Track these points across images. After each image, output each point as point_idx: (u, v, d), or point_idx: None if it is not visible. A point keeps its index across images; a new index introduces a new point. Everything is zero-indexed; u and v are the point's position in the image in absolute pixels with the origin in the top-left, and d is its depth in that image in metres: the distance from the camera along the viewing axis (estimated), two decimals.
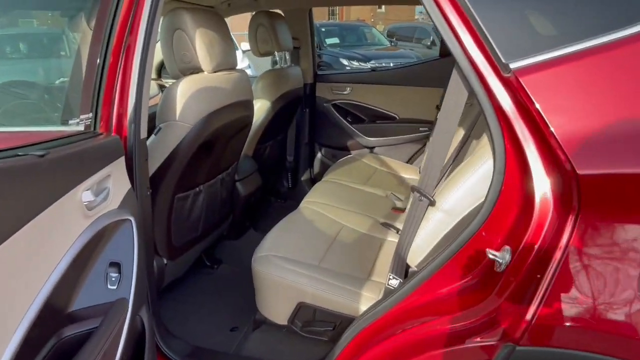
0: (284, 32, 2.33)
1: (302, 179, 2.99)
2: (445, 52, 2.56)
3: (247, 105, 1.77)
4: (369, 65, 8.25)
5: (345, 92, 2.80)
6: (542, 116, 0.85)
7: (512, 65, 0.89)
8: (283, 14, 2.48)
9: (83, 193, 0.85)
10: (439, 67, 2.57)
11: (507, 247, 0.94)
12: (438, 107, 2.57)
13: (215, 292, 1.93)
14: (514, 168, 0.94)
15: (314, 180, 3.02)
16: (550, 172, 0.87)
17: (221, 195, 1.88)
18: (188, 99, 1.40)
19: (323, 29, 9.62)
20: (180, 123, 1.41)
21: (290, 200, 2.98)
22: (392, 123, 2.75)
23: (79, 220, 0.85)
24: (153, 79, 2.66)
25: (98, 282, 0.91)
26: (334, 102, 2.82)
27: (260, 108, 2.27)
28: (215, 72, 1.52)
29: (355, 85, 2.77)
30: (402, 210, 2.02)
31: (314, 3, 2.62)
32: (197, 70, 1.50)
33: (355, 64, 8.31)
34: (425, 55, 9.53)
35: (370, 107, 2.77)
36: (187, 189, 1.59)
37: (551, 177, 0.87)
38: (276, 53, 2.54)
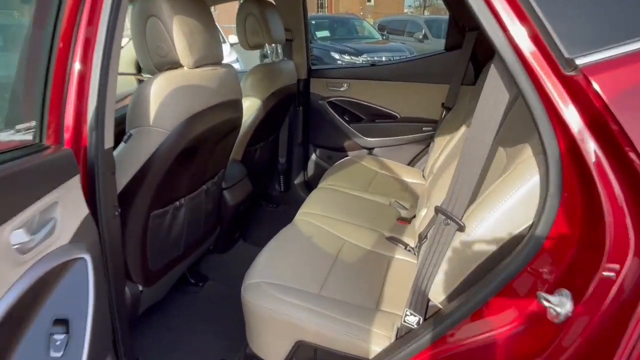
0: (275, 22, 2.10)
1: (296, 182, 2.77)
2: (452, 45, 2.35)
3: (236, 105, 1.55)
4: (360, 59, 8.03)
5: (341, 89, 2.58)
6: (621, 128, 0.64)
7: (579, 61, 0.68)
8: (274, 3, 2.24)
9: (11, 234, 0.63)
10: (445, 61, 2.37)
11: (566, 292, 0.74)
12: (444, 105, 2.37)
13: (200, 317, 1.71)
14: (575, 191, 0.74)
15: (307, 183, 2.81)
16: (632, 202, 0.67)
17: (206, 207, 1.65)
18: (164, 100, 1.17)
19: (313, 22, 9.35)
20: (155, 129, 1.18)
21: (283, 204, 2.77)
22: (393, 122, 2.54)
23: (5, 269, 0.62)
24: (132, 75, 2.41)
25: (36, 350, 0.68)
26: (329, 100, 2.61)
27: (250, 107, 2.04)
28: (197, 67, 1.29)
29: (352, 81, 2.56)
30: (408, 221, 1.82)
31: None
32: (176, 65, 1.27)
33: (347, 57, 8.07)
34: (418, 49, 9.34)
35: (369, 104, 2.56)
36: (165, 204, 1.36)
37: (632, 207, 0.67)
38: (267, 46, 2.31)
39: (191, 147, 1.32)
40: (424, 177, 2.27)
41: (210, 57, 1.34)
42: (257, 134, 2.14)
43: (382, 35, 10.38)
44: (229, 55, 7.17)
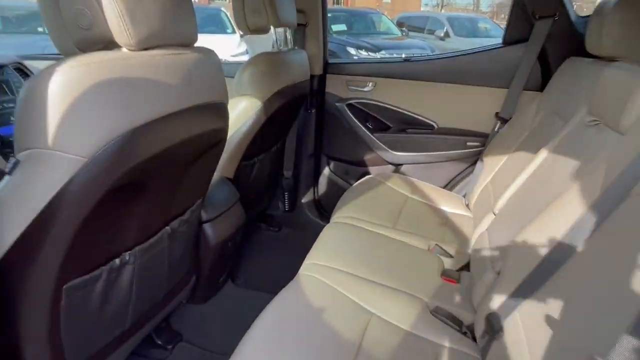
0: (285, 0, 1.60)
1: (303, 200, 2.27)
2: (514, 38, 1.82)
3: (218, 110, 1.04)
4: (379, 55, 7.48)
5: (365, 89, 2.06)
6: None
7: None
8: None
9: None
10: (502, 58, 1.83)
11: None
12: (498, 116, 1.84)
13: None
14: None
15: (317, 203, 2.30)
16: None
17: (171, 254, 1.15)
18: (77, 104, 0.67)
19: (329, 15, 8.77)
20: (59, 154, 0.68)
21: (286, 227, 2.26)
22: (429, 133, 2.02)
23: None
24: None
25: None
26: (349, 102, 2.09)
27: (247, 109, 1.53)
28: (145, 49, 0.79)
29: (379, 80, 2.03)
30: (456, 278, 1.31)
31: None
32: (109, 45, 0.77)
33: (364, 53, 7.52)
34: (439, 48, 8.76)
35: (398, 109, 2.04)
36: (92, 267, 0.86)
37: None
38: (273, 31, 1.80)
39: (136, 181, 0.82)
40: (467, 207, 1.75)
41: (172, 34, 0.83)
42: (256, 145, 1.64)
43: (402, 31, 9.80)
44: (237, 47, 6.67)
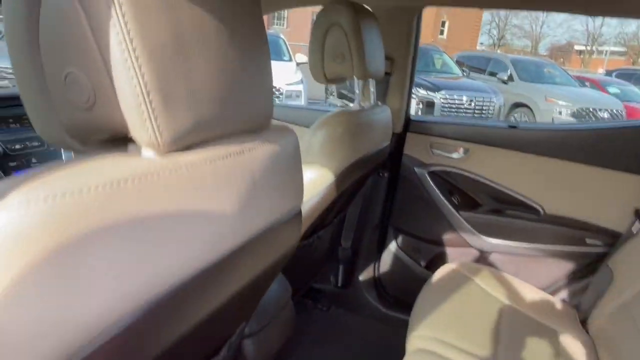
0: (374, 43, 1.26)
1: (361, 277, 1.87)
2: None
3: (290, 226, 0.68)
4: (438, 95, 7.09)
5: (453, 155, 1.67)
6: None
7: None
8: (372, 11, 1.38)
9: None
10: None
11: None
12: (638, 212, 1.40)
13: None
14: None
15: (378, 282, 1.90)
16: None
17: None
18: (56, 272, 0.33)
19: None
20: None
21: (337, 306, 1.88)
22: (532, 220, 1.59)
23: None
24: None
25: None
26: (432, 168, 1.70)
27: (315, 183, 1.18)
28: (185, 148, 0.45)
29: (473, 146, 1.64)
30: None
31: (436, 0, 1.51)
32: (119, 132, 0.43)
33: (422, 92, 7.16)
34: (502, 91, 8.26)
35: (495, 185, 1.63)
36: None
37: None
38: (355, 82, 1.46)
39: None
40: (585, 329, 1.30)
41: (232, 120, 0.49)
42: (320, 221, 1.29)
43: (463, 71, 9.37)
44: (294, 73, 6.49)
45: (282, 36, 7.63)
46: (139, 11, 0.36)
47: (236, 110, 0.48)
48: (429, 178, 1.70)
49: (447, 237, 1.73)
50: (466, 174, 1.65)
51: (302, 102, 6.27)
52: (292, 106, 2.05)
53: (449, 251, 1.76)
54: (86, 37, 0.36)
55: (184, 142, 0.42)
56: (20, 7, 0.38)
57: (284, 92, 6.00)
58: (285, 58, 7.00)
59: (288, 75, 6.23)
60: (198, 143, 0.45)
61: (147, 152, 0.41)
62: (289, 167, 0.62)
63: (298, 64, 7.15)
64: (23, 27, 0.39)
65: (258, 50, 0.52)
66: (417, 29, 1.57)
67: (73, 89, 0.39)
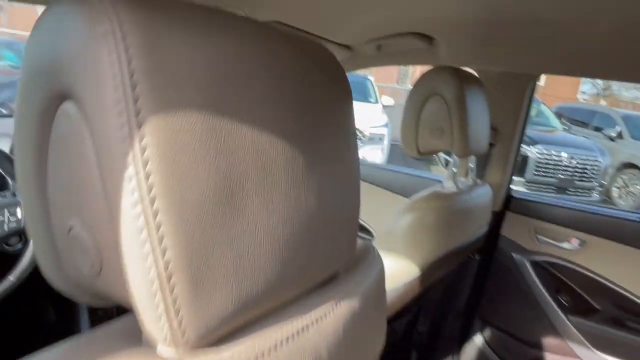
0: (479, 115, 1.08)
1: None
2: None
3: None
4: (534, 149, 6.53)
5: (564, 245, 1.40)
6: None
7: None
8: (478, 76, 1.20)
9: None
10: None
11: None
12: None
13: None
14: None
15: None
16: None
17: None
18: None
19: None
20: None
21: None
22: None
23: None
24: None
25: None
26: (535, 258, 1.44)
27: (395, 276, 1.00)
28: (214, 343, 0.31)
29: (591, 239, 1.35)
30: None
31: (552, 68, 1.30)
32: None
33: None
34: (609, 150, 7.43)
35: (618, 290, 1.32)
36: None
37: None
38: (451, 158, 1.28)
39: None
40: None
41: (290, 280, 0.35)
42: (400, 314, 1.10)
43: (564, 125, 8.62)
44: (379, 116, 6.39)
45: (370, 77, 7.59)
46: (171, 157, 0.24)
47: (303, 265, 0.34)
48: (530, 268, 1.43)
49: (549, 342, 1.43)
50: (581, 270, 1.36)
51: (384, 145, 6.11)
52: (383, 167, 1.89)
53: (550, 358, 1.46)
54: (92, 181, 0.25)
55: (220, 334, 0.29)
56: (31, 135, 0.28)
57: (367, 135, 5.89)
58: (372, 100, 6.92)
59: (373, 118, 6.13)
60: (240, 328, 0.31)
61: (166, 350, 0.27)
62: (370, 320, 0.46)
63: (384, 106, 7.06)
64: (32, 156, 0.29)
65: (346, 165, 0.39)
66: (530, 98, 1.36)
67: (76, 246, 0.27)
